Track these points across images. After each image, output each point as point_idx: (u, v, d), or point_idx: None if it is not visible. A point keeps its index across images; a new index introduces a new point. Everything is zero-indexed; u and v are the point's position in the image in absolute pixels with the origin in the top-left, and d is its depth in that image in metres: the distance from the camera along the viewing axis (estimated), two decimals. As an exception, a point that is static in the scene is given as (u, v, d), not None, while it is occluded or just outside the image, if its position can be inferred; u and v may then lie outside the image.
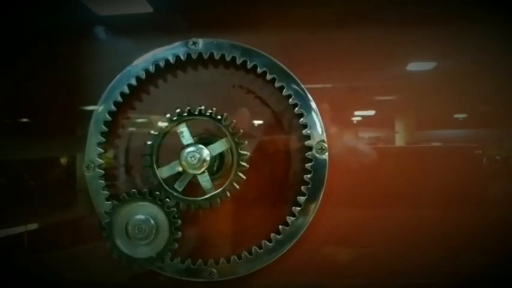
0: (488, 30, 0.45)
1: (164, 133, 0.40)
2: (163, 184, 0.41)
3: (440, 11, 0.45)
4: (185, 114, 0.40)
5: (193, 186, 0.42)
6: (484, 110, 0.46)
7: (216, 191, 0.40)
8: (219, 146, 0.41)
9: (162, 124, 0.40)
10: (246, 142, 0.40)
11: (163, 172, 0.41)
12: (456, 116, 0.46)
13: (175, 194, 0.41)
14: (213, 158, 0.41)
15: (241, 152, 0.40)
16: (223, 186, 0.40)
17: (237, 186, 0.40)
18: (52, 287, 0.49)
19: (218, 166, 0.44)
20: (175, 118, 0.40)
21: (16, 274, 0.49)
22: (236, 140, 0.40)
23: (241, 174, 0.40)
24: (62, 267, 0.48)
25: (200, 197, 0.41)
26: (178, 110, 0.40)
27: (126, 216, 0.40)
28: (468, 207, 0.45)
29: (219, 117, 0.40)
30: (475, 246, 0.44)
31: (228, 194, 0.40)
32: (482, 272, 0.44)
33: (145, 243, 0.39)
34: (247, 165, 0.40)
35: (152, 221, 0.39)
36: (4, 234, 0.50)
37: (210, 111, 0.40)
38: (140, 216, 0.39)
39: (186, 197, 0.41)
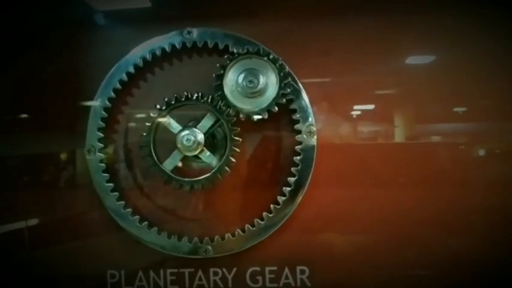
0: (487, 25, 0.46)
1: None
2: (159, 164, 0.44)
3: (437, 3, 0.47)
4: (173, 102, 0.43)
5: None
6: (477, 104, 0.48)
7: (216, 168, 0.43)
8: (207, 122, 0.43)
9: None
10: (235, 118, 0.43)
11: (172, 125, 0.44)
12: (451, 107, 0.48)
13: (176, 176, 0.44)
14: (207, 136, 0.43)
15: (233, 127, 0.43)
16: (221, 162, 0.43)
17: (233, 160, 0.43)
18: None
19: (213, 143, 0.46)
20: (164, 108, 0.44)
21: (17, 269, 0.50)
22: (226, 117, 0.43)
23: (236, 148, 0.43)
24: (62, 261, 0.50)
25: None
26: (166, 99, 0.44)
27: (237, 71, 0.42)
28: (454, 188, 0.47)
29: (205, 99, 0.43)
30: (463, 229, 0.46)
31: (227, 168, 0.43)
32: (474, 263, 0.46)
33: (254, 96, 0.42)
34: (240, 139, 0.43)
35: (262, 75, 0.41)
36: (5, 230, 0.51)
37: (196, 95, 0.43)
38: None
39: (188, 178, 0.44)
